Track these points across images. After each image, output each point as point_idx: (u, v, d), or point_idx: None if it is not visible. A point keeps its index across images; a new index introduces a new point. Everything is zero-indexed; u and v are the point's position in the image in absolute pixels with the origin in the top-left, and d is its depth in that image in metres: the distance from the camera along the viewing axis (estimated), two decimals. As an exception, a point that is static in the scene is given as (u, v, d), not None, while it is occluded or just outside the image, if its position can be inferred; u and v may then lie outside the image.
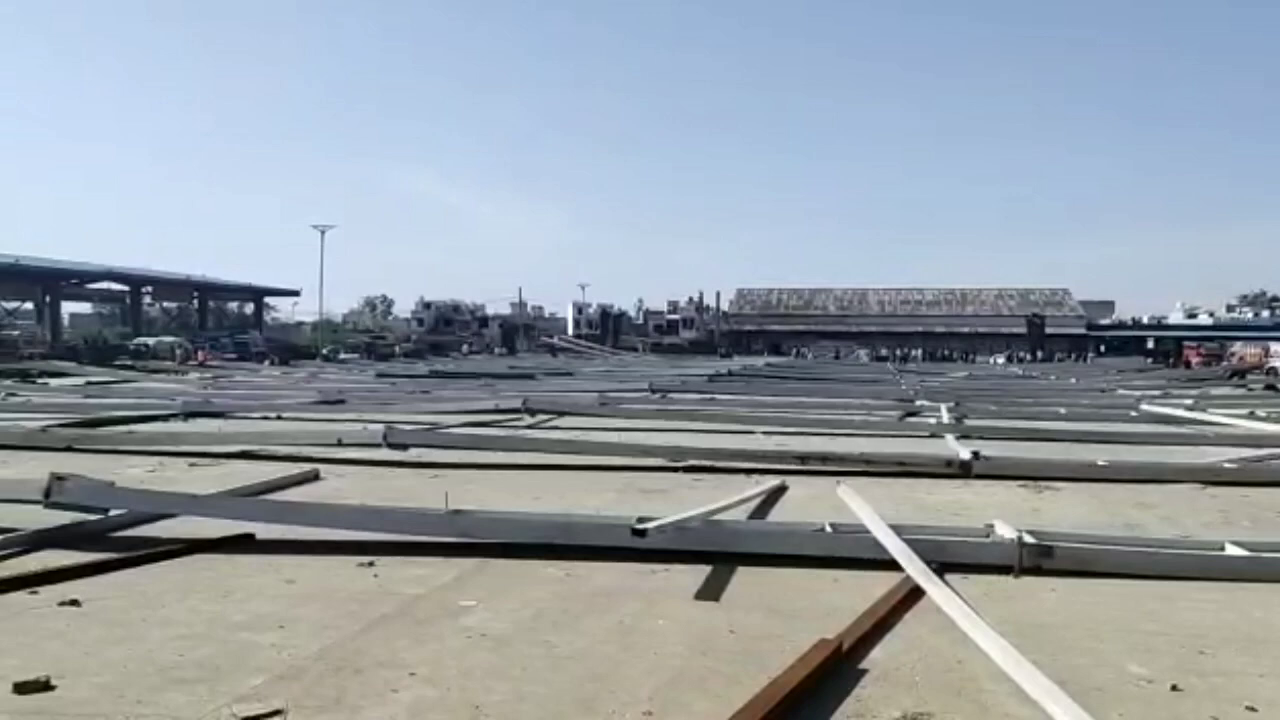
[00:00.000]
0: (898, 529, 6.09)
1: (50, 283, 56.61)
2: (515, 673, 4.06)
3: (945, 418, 16.69)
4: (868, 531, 6.17)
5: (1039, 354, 74.51)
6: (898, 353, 76.47)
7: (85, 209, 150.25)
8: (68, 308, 65.39)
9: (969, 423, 16.05)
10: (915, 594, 5.13)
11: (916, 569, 5.35)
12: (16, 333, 49.09)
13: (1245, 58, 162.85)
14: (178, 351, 46.29)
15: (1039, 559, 5.79)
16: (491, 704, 3.70)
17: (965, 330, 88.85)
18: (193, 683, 3.89)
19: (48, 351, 43.54)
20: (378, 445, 11.23)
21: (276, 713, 3.56)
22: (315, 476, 9.49)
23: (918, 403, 20.47)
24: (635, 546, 5.92)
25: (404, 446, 11.23)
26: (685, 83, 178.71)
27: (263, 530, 6.53)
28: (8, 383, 25.95)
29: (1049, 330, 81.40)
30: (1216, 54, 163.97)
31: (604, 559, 5.95)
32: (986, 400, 21.67)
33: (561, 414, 16.64)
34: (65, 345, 48.71)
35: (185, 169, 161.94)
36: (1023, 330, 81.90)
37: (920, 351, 77.76)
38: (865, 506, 6.87)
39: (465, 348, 71.55)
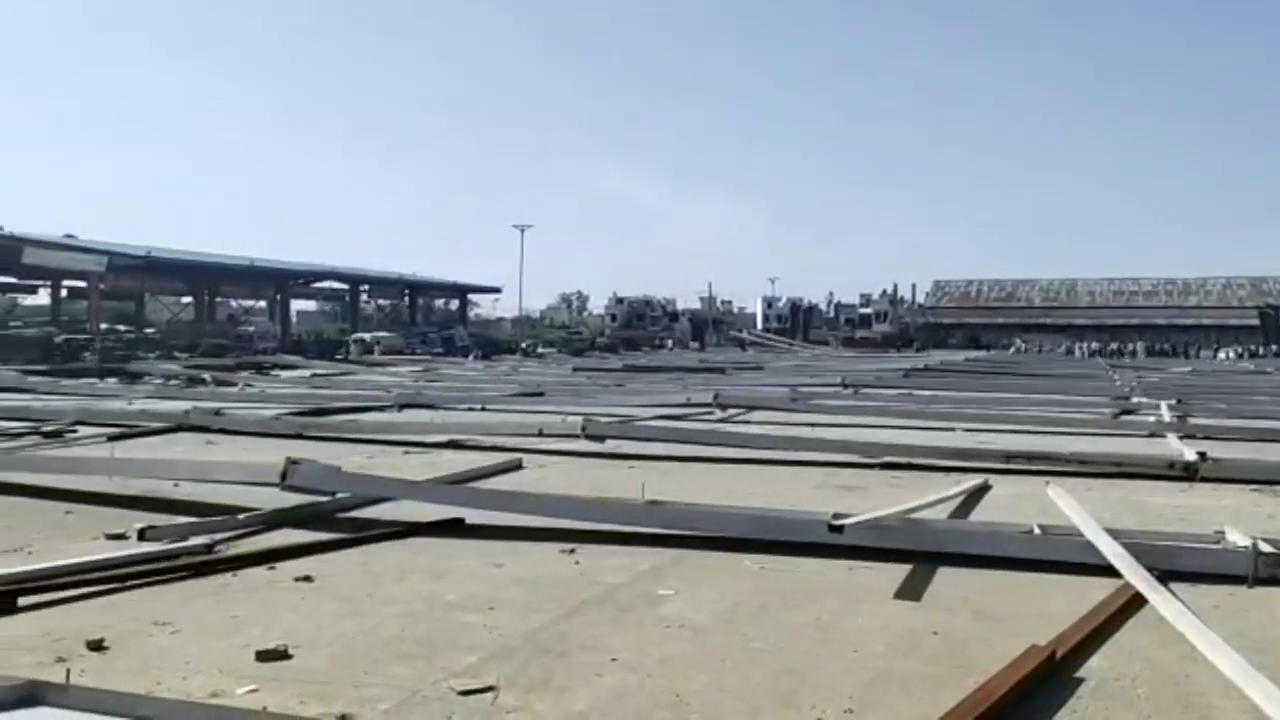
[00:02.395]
0: (1115, 533, 5.75)
1: (281, 282, 61.45)
2: (714, 663, 4.11)
3: (1166, 416, 15.58)
4: (1081, 535, 5.86)
5: (1274, 348, 68.23)
6: (1111, 346, 71.86)
7: (308, 210, 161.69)
8: (295, 305, 70.71)
9: (1194, 421, 14.91)
10: (1135, 602, 4.83)
11: (1137, 575, 5.03)
12: (252, 329, 53.57)
13: None
14: (353, 346, 49.12)
15: (1277, 569, 5.32)
16: (691, 693, 3.75)
17: (1188, 322, 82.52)
18: (413, 657, 4.14)
19: (278, 346, 47.24)
20: (576, 436, 11.56)
21: (490, 689, 3.74)
22: (518, 466, 9.88)
23: (1134, 400, 19.21)
24: (832, 543, 5.85)
25: (601, 438, 11.51)
26: (874, 75, 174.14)
27: (472, 515, 6.86)
28: (245, 374, 28.37)
29: (1286, 322, 74.33)
30: None
31: (800, 554, 5.91)
32: (1214, 398, 20.08)
33: (752, 408, 16.61)
34: (293, 340, 52.69)
35: (396, 170, 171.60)
36: (1255, 322, 75.22)
37: (1138, 345, 72.73)
38: (1078, 508, 6.53)
39: (670, 343, 72.65)
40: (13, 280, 60.09)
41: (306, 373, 31.35)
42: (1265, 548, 5.44)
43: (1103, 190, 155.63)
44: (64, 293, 60.25)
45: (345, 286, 68.92)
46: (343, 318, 71.53)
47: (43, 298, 63.54)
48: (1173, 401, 17.89)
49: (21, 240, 47.88)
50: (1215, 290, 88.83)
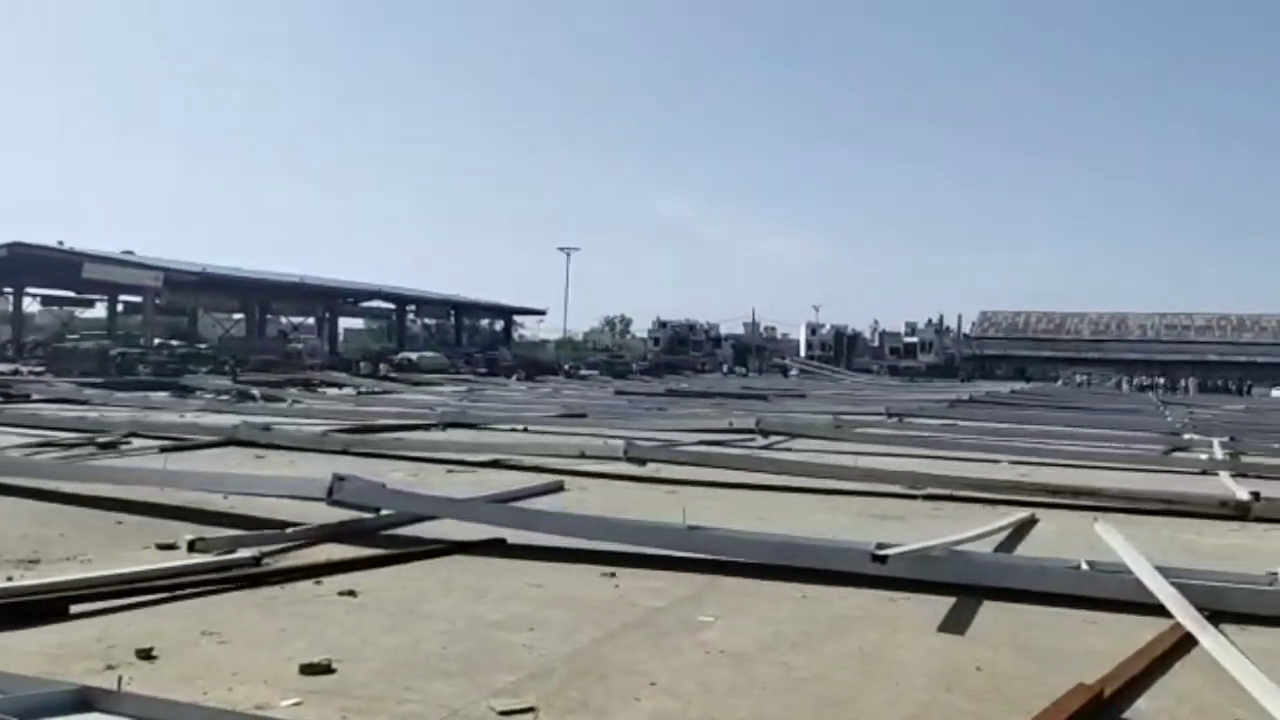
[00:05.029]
0: (1165, 571, 5.65)
1: (329, 300, 62.43)
2: (754, 691, 4.09)
3: (1219, 454, 15.25)
4: (1130, 572, 5.76)
5: (1333, 386, 66.53)
6: (1162, 382, 70.61)
7: (355, 227, 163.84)
8: (343, 323, 71.69)
9: (1247, 460, 14.58)
10: (1185, 643, 4.74)
11: (1187, 615, 4.93)
12: (301, 346, 54.37)
13: None
14: (362, 364, 49.06)
15: (1333, 613, 5.20)
16: (731, 720, 3.74)
17: (1242, 359, 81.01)
18: (455, 675, 4.18)
19: (325, 363, 47.89)
20: (618, 459, 11.59)
21: (529, 709, 3.76)
22: (560, 487, 9.92)
23: (1185, 437, 18.84)
24: (874, 573, 5.81)
25: (642, 461, 11.53)
26: (920, 105, 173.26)
27: (513, 535, 6.90)
28: (293, 390, 28.77)
29: (1346, 360, 72.59)
30: None
31: (841, 584, 5.86)
32: (1268, 436, 19.64)
33: (794, 435, 16.51)
34: (340, 357, 53.39)
35: (445, 192, 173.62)
36: (1313, 359, 73.55)
37: (1190, 381, 71.37)
38: (1127, 545, 6.41)
39: (725, 368, 73.21)
40: (71, 294, 61.73)
41: (353, 390, 31.73)
42: (1321, 591, 5.31)
43: (1154, 224, 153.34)
44: (120, 307, 61.72)
45: (392, 306, 69.80)
46: (390, 336, 72.32)
47: (99, 311, 65.14)
48: (1225, 439, 17.51)
49: (81, 255, 49.22)
50: (1271, 327, 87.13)
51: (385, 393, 30.84)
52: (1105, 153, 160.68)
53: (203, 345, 52.83)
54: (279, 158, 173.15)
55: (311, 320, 65.44)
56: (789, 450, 14.71)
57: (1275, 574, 5.85)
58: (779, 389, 41.33)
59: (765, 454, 13.82)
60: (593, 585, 5.87)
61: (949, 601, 5.52)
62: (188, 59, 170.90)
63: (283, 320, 66.61)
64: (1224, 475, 12.29)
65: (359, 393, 30.17)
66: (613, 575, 6.05)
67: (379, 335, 77.68)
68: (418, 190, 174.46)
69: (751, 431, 16.43)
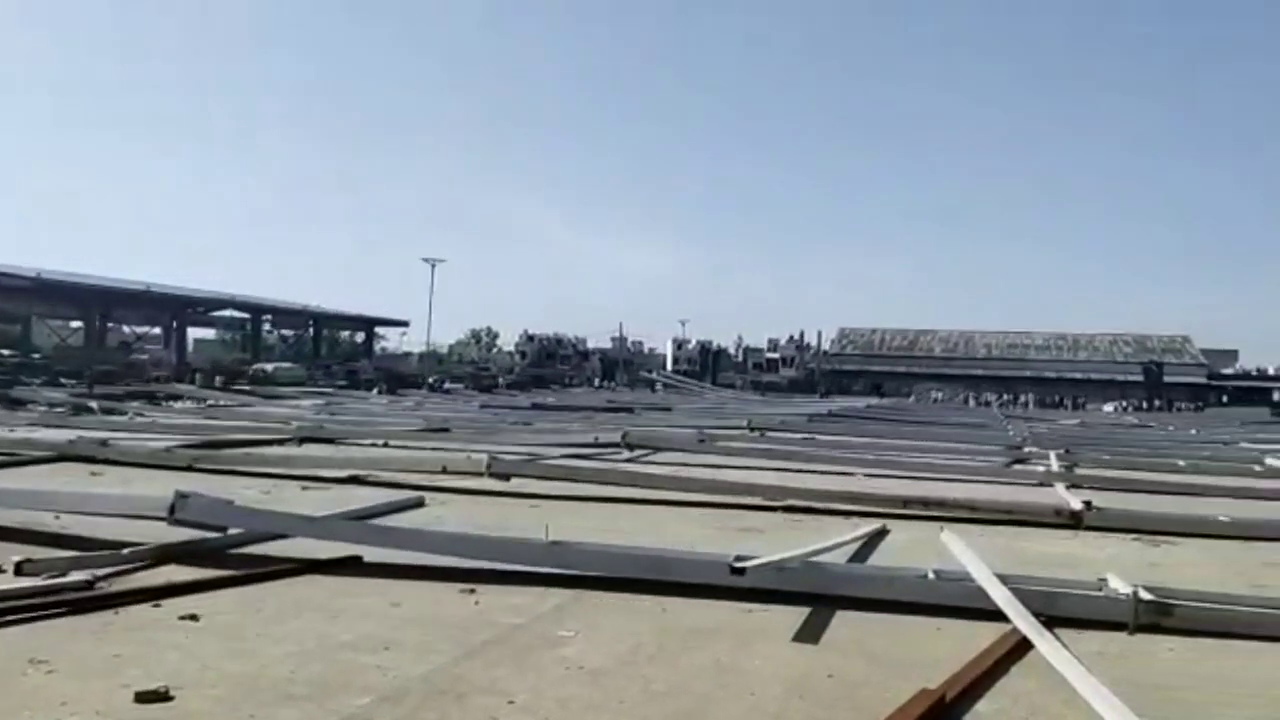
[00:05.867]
0: (1004, 579, 5.93)
1: (177, 309, 59.58)
2: (612, 705, 4.09)
3: (1055, 466, 16.14)
4: (973, 580, 6.02)
5: (1156, 403, 71.61)
6: (1004, 397, 74.52)
7: (210, 237, 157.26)
8: (193, 333, 68.50)
9: (1080, 471, 15.48)
10: (1023, 647, 4.98)
11: (1025, 621, 5.19)
12: (145, 356, 51.64)
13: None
14: (199, 376, 45.56)
15: (1156, 616, 5.55)
16: (589, 736, 3.72)
17: (1077, 376, 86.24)
18: (303, 700, 4.02)
19: (172, 375, 45.64)
20: (480, 474, 11.43)
21: (382, 732, 3.65)
22: (420, 503, 9.72)
23: (1025, 449, 19.87)
24: (733, 585, 5.90)
25: (506, 476, 11.40)
26: (783, 127, 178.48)
27: (370, 553, 6.70)
28: (135, 404, 27.31)
29: (1167, 379, 78.23)
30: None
31: (700, 596, 5.93)
32: (1099, 449, 20.91)
33: (659, 449, 16.66)
34: (189, 369, 50.96)
35: (303, 199, 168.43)
36: (1139, 378, 78.98)
37: (1030, 397, 75.57)
38: (970, 554, 6.70)
39: (596, 381, 74.39)
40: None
41: (202, 403, 30.36)
42: (1145, 595, 5.65)
43: (1002, 244, 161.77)
44: (-56, 314, 57.36)
45: (247, 316, 67.18)
46: (244, 347, 69.53)
47: (-80, 319, 60.35)
48: (1061, 451, 18.56)
49: (-101, 257, 45.56)
50: (1102, 346, 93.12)
51: (237, 406, 29.60)
52: (960, 168, 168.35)
53: (36, 355, 49.67)
54: (127, 156, 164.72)
55: (158, 330, 62.33)
56: (654, 464, 14.81)
57: (1104, 580, 6.21)
58: (645, 402, 41.62)
59: (629, 468, 13.86)
60: (452, 603, 5.76)
61: (804, 611, 5.65)
62: (20, 50, 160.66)
63: (126, 329, 63.24)
64: (1059, 486, 12.99)
65: (209, 406, 28.86)
66: (473, 592, 5.96)
67: (231, 346, 74.63)
68: (276, 197, 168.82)
69: (617, 445, 16.48)
